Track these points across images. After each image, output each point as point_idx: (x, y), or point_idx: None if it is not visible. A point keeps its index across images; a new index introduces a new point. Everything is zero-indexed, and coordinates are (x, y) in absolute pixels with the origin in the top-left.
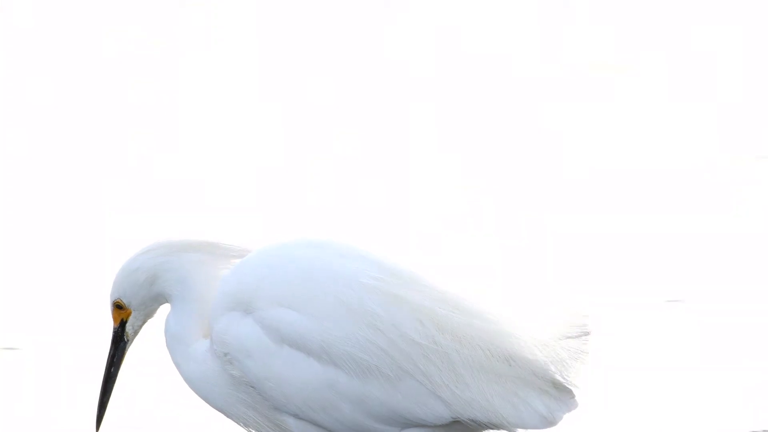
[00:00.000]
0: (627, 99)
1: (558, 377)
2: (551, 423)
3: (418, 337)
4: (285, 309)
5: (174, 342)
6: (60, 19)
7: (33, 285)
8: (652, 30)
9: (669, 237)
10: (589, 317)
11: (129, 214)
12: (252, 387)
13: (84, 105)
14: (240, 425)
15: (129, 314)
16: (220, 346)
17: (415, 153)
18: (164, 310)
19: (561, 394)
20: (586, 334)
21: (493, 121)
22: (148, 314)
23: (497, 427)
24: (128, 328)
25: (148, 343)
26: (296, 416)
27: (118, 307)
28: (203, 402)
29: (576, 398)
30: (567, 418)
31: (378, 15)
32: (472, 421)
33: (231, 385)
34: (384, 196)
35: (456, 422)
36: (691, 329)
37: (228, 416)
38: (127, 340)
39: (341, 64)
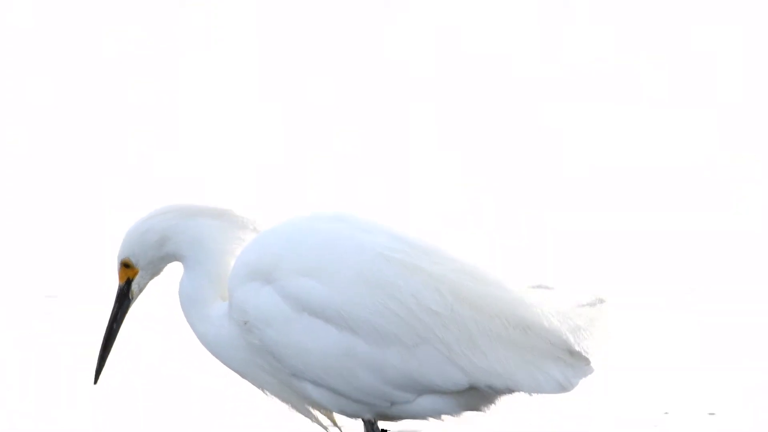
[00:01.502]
0: (627, 98)
1: (574, 345)
2: (567, 389)
3: (436, 306)
4: (305, 278)
5: (189, 303)
6: (60, 19)
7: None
8: (652, 30)
9: (669, 235)
10: (602, 289)
11: (129, 212)
12: (271, 354)
13: (84, 105)
14: (255, 387)
15: (136, 273)
16: (240, 315)
17: (415, 151)
18: (171, 269)
19: (577, 360)
20: (602, 301)
21: (493, 120)
22: (155, 273)
23: (514, 392)
24: (134, 286)
25: (155, 300)
26: (315, 383)
27: (126, 266)
28: (212, 363)
29: (591, 365)
30: (582, 383)
31: (378, 15)
32: (489, 387)
33: (249, 350)
34: (384, 193)
35: (472, 389)
36: (690, 328)
37: (243, 377)
38: (132, 298)
39: (341, 63)
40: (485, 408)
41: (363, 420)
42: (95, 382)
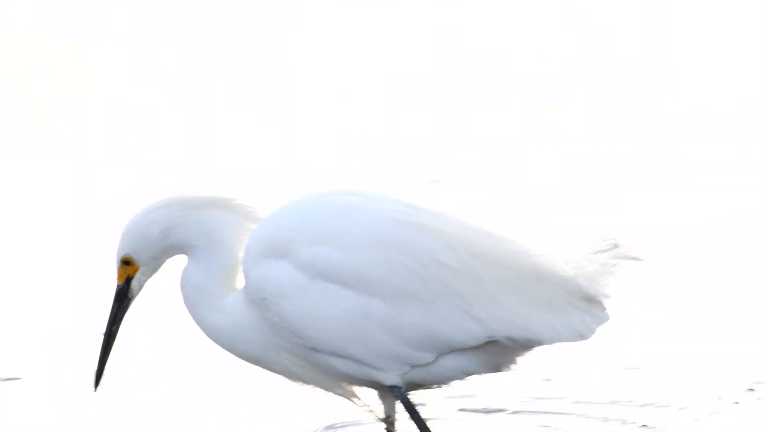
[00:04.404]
0: (626, 98)
1: (589, 291)
2: (585, 336)
3: (450, 261)
4: (319, 246)
5: (198, 294)
6: (60, 19)
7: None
8: (653, 29)
9: (673, 234)
10: (616, 236)
11: (128, 212)
12: (290, 329)
13: (83, 105)
14: (275, 371)
15: (136, 270)
16: (258, 293)
17: (415, 150)
18: (169, 264)
19: (592, 307)
20: (616, 246)
21: (493, 120)
22: (156, 268)
23: (533, 343)
24: (134, 284)
25: (150, 297)
26: (335, 354)
27: (126, 263)
28: (216, 354)
29: (607, 311)
30: (599, 330)
31: (378, 15)
32: (508, 339)
33: (270, 331)
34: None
35: (492, 343)
36: (691, 327)
37: (262, 365)
38: (131, 297)
39: (341, 63)
40: (507, 367)
41: (390, 387)
42: (95, 388)
